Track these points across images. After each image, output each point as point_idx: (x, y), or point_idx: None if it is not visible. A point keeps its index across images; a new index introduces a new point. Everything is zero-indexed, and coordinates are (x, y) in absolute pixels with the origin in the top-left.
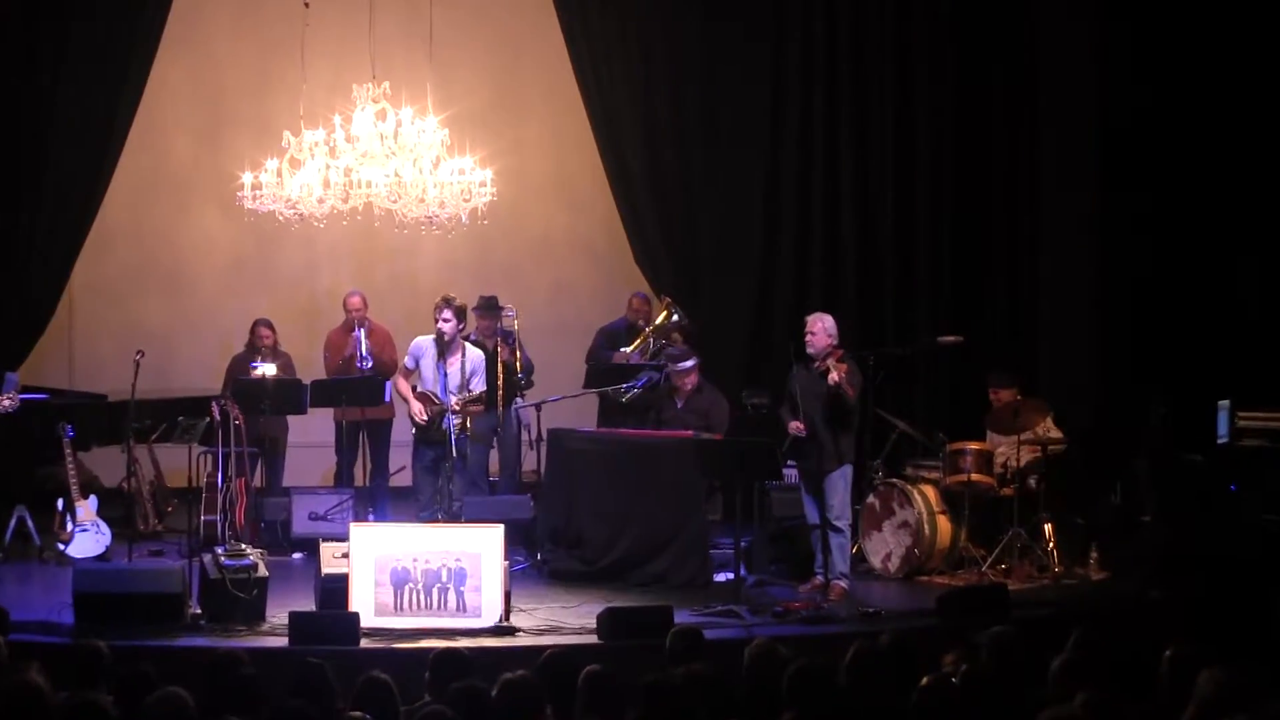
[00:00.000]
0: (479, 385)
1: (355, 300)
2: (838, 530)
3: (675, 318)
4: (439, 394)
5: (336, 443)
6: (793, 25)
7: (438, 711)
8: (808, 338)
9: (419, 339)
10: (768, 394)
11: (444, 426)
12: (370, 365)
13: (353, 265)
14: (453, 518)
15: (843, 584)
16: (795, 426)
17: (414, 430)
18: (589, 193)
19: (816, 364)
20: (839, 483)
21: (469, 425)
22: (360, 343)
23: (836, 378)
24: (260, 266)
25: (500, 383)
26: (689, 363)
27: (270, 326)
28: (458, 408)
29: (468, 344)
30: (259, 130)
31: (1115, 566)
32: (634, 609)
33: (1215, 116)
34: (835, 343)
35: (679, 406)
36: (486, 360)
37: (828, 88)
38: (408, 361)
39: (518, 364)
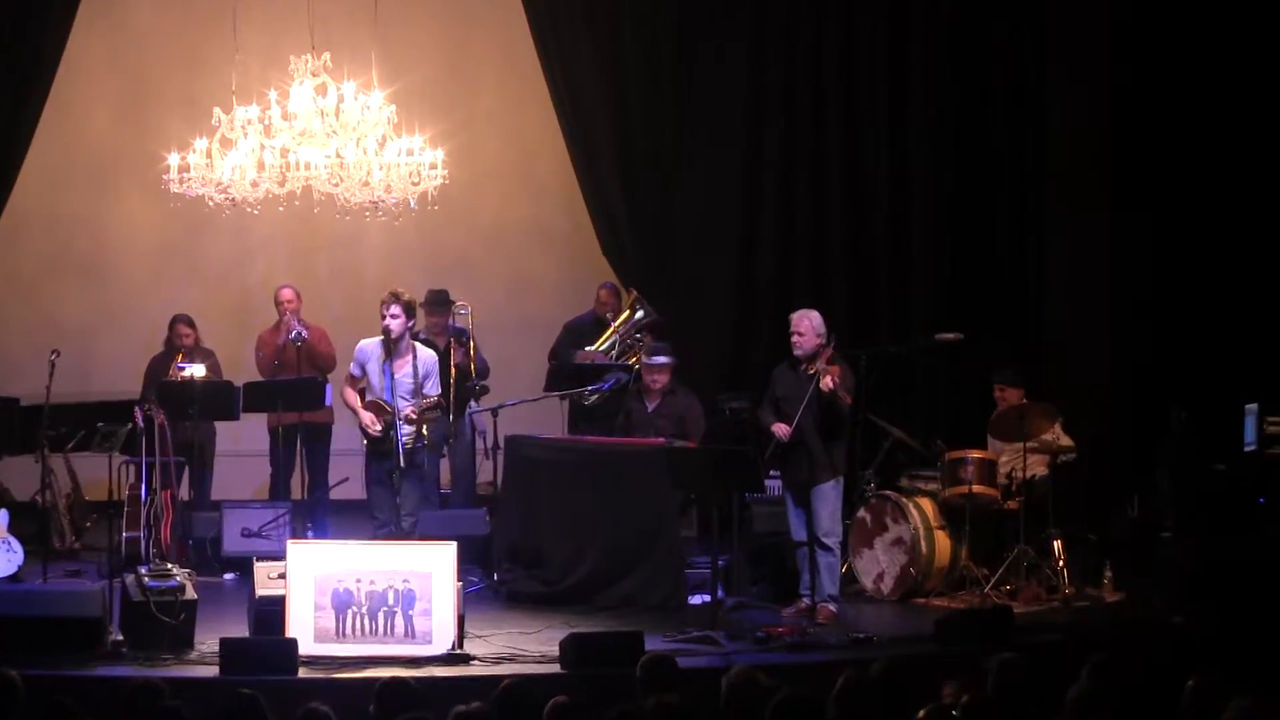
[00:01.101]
0: (433, 388)
1: (287, 293)
2: (826, 548)
3: (640, 314)
4: (387, 400)
5: (271, 451)
6: None
7: None
8: (794, 339)
9: (364, 342)
10: (748, 398)
11: (392, 435)
12: (305, 337)
13: (289, 255)
14: (404, 535)
15: (831, 607)
16: (781, 429)
17: (365, 441)
18: (551, 175)
19: (805, 367)
20: (830, 496)
21: (425, 432)
22: (290, 323)
23: (831, 384)
24: (188, 257)
25: (453, 386)
26: (664, 358)
27: (191, 324)
28: (414, 416)
29: (418, 344)
30: (186, 107)
31: (1132, 587)
32: (600, 635)
33: (1240, 103)
34: (824, 341)
35: (649, 410)
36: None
37: (815, 62)
38: (353, 369)
39: (472, 365)
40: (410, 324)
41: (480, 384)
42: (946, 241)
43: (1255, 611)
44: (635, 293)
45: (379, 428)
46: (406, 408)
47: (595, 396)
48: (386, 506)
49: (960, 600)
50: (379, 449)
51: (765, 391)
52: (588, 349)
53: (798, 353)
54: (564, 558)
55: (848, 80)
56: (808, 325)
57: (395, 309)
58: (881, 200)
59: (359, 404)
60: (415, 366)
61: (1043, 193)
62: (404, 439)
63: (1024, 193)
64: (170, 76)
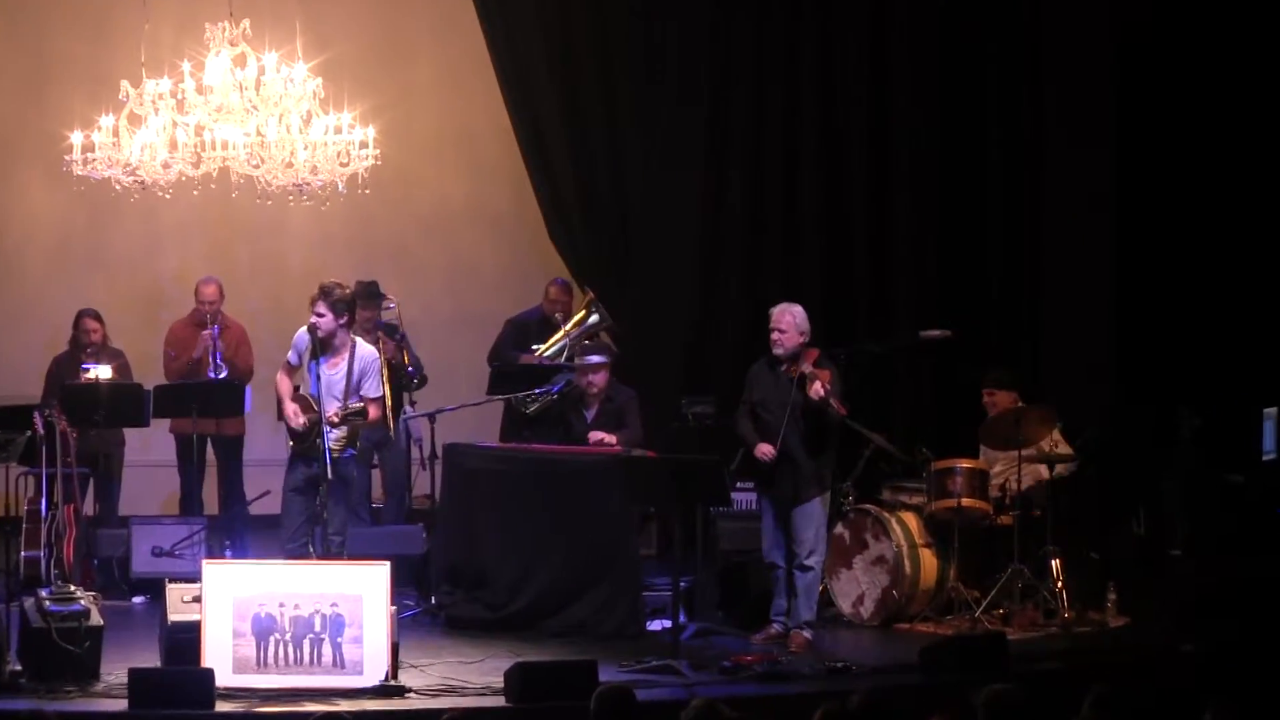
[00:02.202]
0: (373, 389)
1: (210, 290)
2: (807, 568)
3: (595, 318)
4: (315, 397)
5: (179, 460)
6: None
7: None
8: (774, 336)
9: (302, 331)
10: (713, 401)
11: (317, 442)
12: (224, 375)
13: (205, 244)
14: (332, 555)
15: (806, 633)
16: (764, 450)
17: (289, 441)
18: (493, 154)
19: (786, 368)
20: (816, 514)
21: (357, 440)
22: (214, 344)
23: (821, 391)
24: (93, 246)
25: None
26: (598, 357)
27: (98, 319)
28: (335, 419)
29: (359, 340)
30: (91, 81)
31: (1138, 611)
32: (550, 664)
33: (1254, 85)
34: (808, 339)
35: (590, 420)
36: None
37: (790, 29)
38: (291, 356)
39: (404, 362)
40: (342, 321)
41: (419, 374)
42: (932, 231)
43: (1273, 637)
44: (591, 294)
45: (302, 420)
46: (329, 411)
47: (537, 404)
48: (298, 518)
49: (948, 626)
50: (301, 450)
51: (741, 395)
52: (535, 349)
53: (778, 351)
54: (509, 579)
55: (824, 50)
56: (789, 321)
57: (321, 307)
58: (861, 185)
59: (289, 394)
60: (350, 365)
61: (1040, 180)
62: (331, 445)
63: (1019, 180)
64: (73, 47)
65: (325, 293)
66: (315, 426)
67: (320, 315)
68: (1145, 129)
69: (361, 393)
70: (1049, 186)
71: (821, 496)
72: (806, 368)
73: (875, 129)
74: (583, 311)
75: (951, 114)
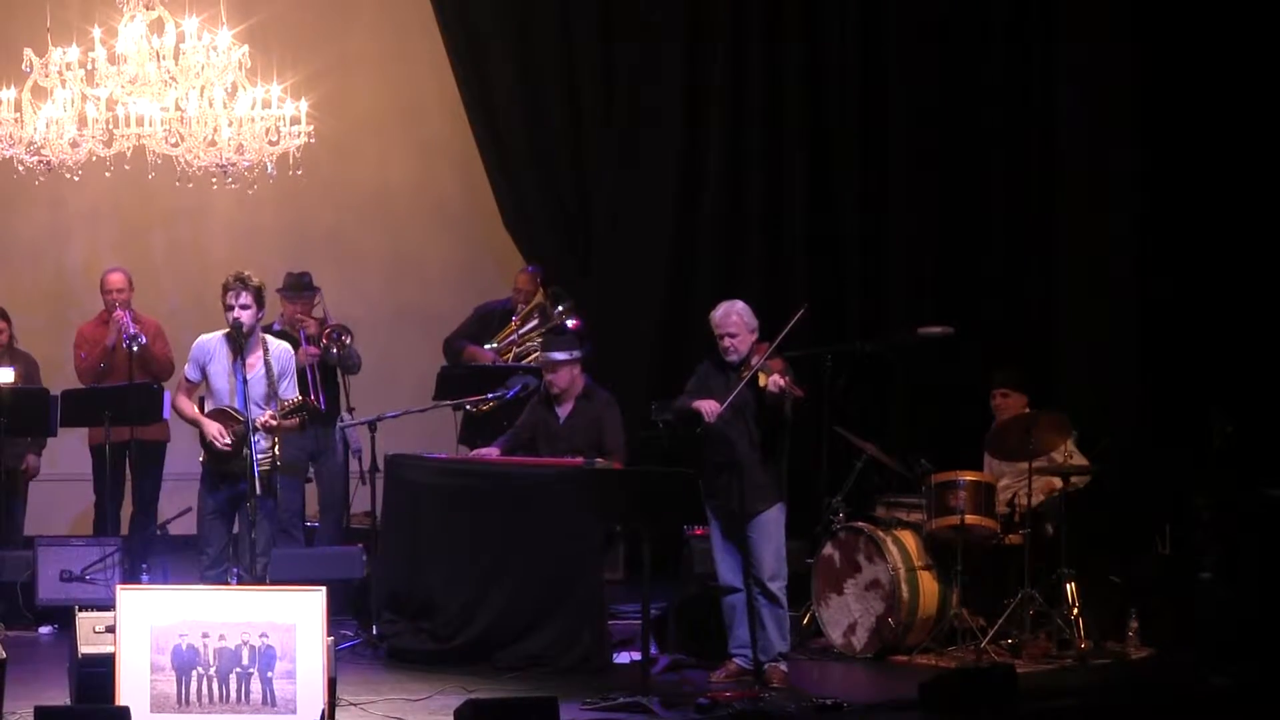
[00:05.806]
0: (290, 391)
1: (117, 279)
2: (772, 598)
3: (536, 321)
4: (238, 408)
5: (95, 475)
6: None
7: None
8: (726, 343)
9: (203, 338)
10: None
11: (245, 454)
12: (144, 342)
13: (118, 231)
14: (257, 579)
15: (783, 668)
16: (708, 406)
17: (203, 459)
18: (441, 131)
19: (742, 370)
20: (771, 528)
21: (278, 450)
22: (125, 322)
23: (781, 383)
24: None
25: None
26: (561, 354)
27: (4, 317)
28: (273, 423)
29: (268, 336)
30: None
31: (1163, 641)
32: (505, 701)
33: None
34: (757, 336)
35: (561, 420)
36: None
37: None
38: (189, 372)
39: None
40: (260, 315)
41: (342, 332)
42: (930, 211)
43: None
44: (549, 290)
45: (228, 440)
46: (263, 415)
47: (494, 405)
48: (221, 542)
49: (950, 658)
50: (222, 469)
51: (687, 382)
52: (489, 345)
53: (733, 358)
54: (459, 606)
55: (810, 11)
56: (738, 322)
57: (245, 298)
58: (852, 163)
59: (199, 413)
60: (268, 364)
61: (1051, 156)
62: (260, 458)
63: (1028, 156)
64: None
65: (243, 281)
66: (245, 436)
67: (245, 307)
68: (1173, 94)
69: (281, 394)
70: (1065, 166)
71: (777, 505)
72: (758, 361)
73: (867, 101)
74: (530, 306)
75: (952, 80)
